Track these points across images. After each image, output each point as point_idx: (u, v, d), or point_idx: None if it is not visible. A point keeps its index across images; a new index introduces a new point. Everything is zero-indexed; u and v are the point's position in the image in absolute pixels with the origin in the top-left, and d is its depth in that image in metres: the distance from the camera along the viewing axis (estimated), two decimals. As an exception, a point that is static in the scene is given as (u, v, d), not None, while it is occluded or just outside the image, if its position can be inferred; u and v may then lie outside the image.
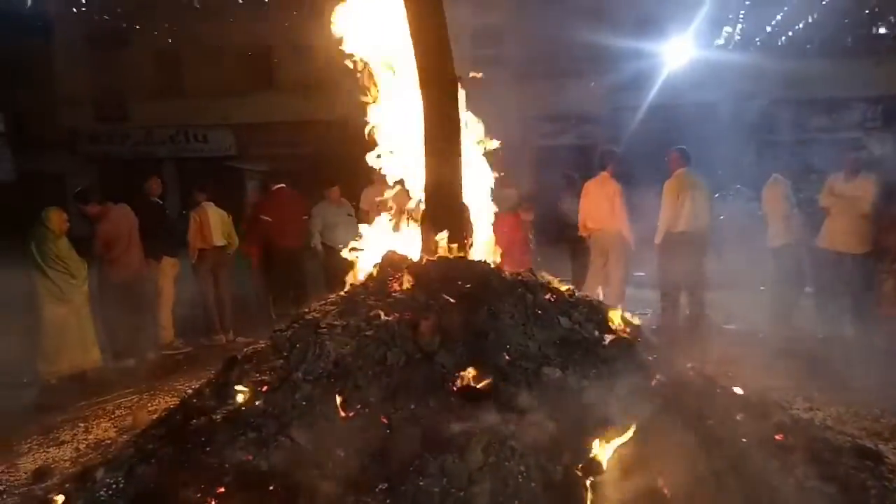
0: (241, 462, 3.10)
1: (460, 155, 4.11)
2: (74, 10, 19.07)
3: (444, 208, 4.11)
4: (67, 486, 3.75)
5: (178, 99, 20.23)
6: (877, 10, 16.34)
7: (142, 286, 7.47)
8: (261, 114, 18.83)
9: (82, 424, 5.47)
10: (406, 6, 4.04)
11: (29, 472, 4.51)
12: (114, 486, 3.40)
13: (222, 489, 3.04)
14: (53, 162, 19.30)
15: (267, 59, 19.89)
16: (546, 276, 4.24)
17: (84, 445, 5.02)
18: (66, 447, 5.01)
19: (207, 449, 3.32)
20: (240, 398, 3.49)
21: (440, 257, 3.94)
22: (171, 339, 7.81)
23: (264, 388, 3.51)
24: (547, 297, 3.87)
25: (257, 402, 3.45)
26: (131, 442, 4.01)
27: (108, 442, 4.99)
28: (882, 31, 16.68)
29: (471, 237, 4.23)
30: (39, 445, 5.07)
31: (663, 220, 7.19)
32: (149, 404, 5.83)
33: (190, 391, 4.91)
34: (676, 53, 16.15)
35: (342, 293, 4.03)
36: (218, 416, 3.48)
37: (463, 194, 4.18)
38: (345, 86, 4.70)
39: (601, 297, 6.42)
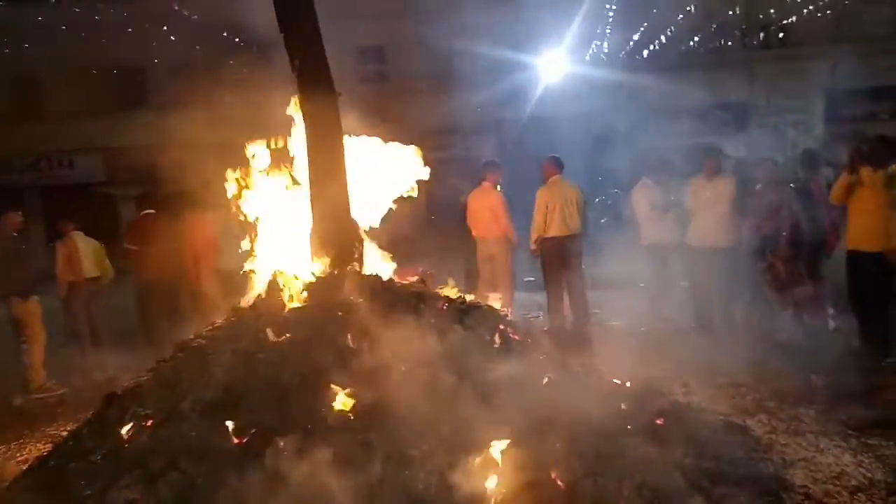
0: (127, 502, 2.91)
1: (345, 174, 4.12)
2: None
3: (332, 229, 4.10)
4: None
5: (39, 123, 18.75)
6: (723, 25, 17.98)
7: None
8: (132, 136, 17.80)
9: (-60, 481, 4.92)
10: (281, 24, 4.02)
11: None
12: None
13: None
14: None
15: (139, 78, 18.89)
16: (440, 286, 4.31)
17: (-58, 506, 4.51)
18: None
19: (87, 493, 3.11)
20: (122, 435, 3.29)
21: (330, 273, 3.91)
22: (41, 381, 7.17)
23: (149, 423, 3.33)
24: (440, 305, 3.94)
25: (141, 438, 3.27)
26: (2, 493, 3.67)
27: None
28: (730, 43, 18.37)
29: (361, 254, 4.23)
30: None
31: (534, 227, 7.54)
32: (17, 454, 5.32)
33: (65, 434, 4.57)
34: (552, 68, 17.00)
35: (230, 316, 3.90)
36: (97, 457, 3.27)
37: (350, 213, 4.18)
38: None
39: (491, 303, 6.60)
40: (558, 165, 7.63)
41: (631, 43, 17.43)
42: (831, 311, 6.98)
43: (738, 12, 18.11)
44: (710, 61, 18.05)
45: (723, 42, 18.10)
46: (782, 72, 17.97)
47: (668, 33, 17.28)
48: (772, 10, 17.19)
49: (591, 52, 17.55)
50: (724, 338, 6.94)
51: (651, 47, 17.63)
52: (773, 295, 6.90)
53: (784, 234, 6.75)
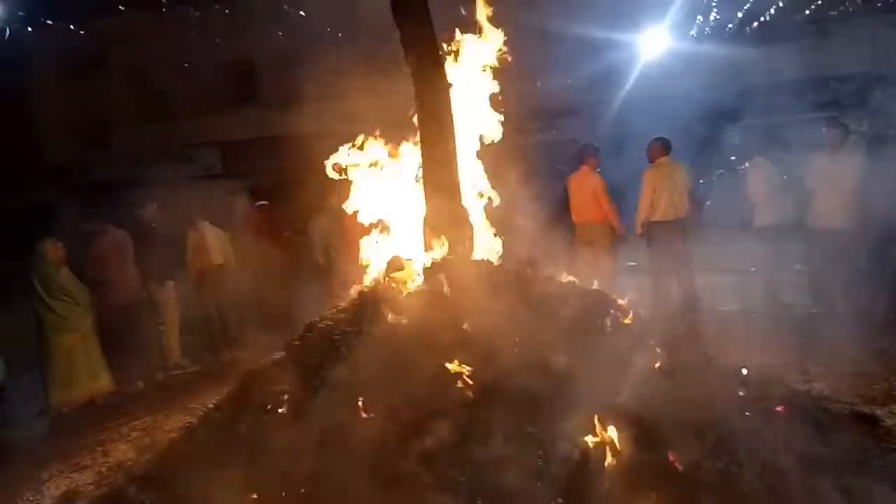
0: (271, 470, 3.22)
1: (456, 162, 4.25)
2: (48, 40, 19.01)
3: (444, 212, 4.24)
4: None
5: (161, 121, 20.26)
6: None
7: (141, 309, 7.55)
8: (245, 130, 18.92)
9: (100, 448, 5.56)
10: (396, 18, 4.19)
11: (55, 497, 4.61)
12: (146, 502, 3.53)
13: (255, 496, 3.17)
14: (40, 193, 19.22)
15: (250, 74, 19.92)
16: (548, 269, 4.39)
17: (105, 468, 5.11)
18: (87, 471, 5.09)
19: (234, 459, 3.45)
20: (263, 408, 3.61)
21: (444, 258, 4.07)
22: (177, 359, 7.89)
23: (285, 398, 3.64)
24: (550, 289, 4.02)
25: (280, 411, 3.58)
26: (155, 461, 4.13)
27: (129, 463, 5.08)
28: (850, 9, 16.97)
29: (472, 238, 4.36)
30: (61, 472, 5.14)
31: (640, 209, 7.40)
32: (164, 425, 5.91)
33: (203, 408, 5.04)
34: (651, 45, 16.40)
35: (353, 300, 4.16)
36: (242, 428, 3.61)
37: (461, 199, 4.32)
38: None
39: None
40: (666, 147, 7.46)
41: (740, 14, 16.49)
42: None
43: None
44: (824, 30, 16.79)
45: (843, 6, 16.75)
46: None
47: (779, 3, 16.23)
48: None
49: (695, 26, 16.77)
50: (846, 323, 6.58)
51: (761, 18, 16.63)
52: None
53: None
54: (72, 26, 18.58)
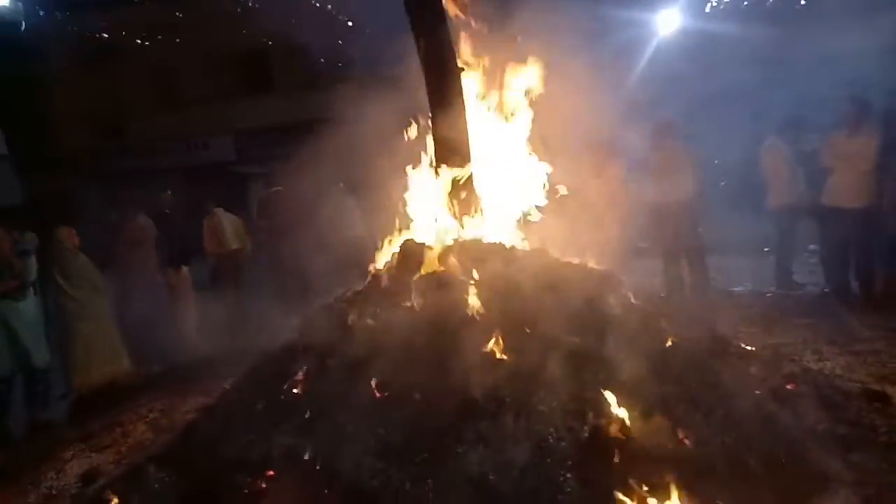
0: (287, 446, 3.29)
1: (469, 151, 4.26)
2: (67, 29, 19.16)
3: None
4: (119, 484, 3.95)
5: (177, 109, 20.38)
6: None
7: (161, 293, 7.68)
8: (259, 117, 18.99)
9: (119, 429, 5.68)
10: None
11: (77, 476, 4.73)
12: (165, 479, 3.62)
13: (272, 472, 3.25)
14: (57, 181, 19.46)
15: (265, 62, 19.94)
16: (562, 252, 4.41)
17: (125, 448, 5.24)
18: (108, 451, 5.22)
19: (250, 437, 3.53)
20: (279, 388, 3.69)
21: (457, 241, 4.11)
22: (194, 342, 8.01)
23: (301, 377, 3.71)
24: (562, 271, 4.04)
25: (295, 391, 3.66)
26: (173, 440, 4.23)
27: (148, 443, 5.20)
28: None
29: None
30: (82, 451, 5.28)
31: (650, 191, 7.27)
32: (182, 406, 6.03)
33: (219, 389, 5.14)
34: (667, 23, 16.17)
35: (367, 283, 4.21)
36: (259, 407, 3.69)
37: (474, 189, 4.33)
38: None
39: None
40: (667, 127, 7.27)
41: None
42: None
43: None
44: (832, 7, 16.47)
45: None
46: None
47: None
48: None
49: (710, 4, 16.52)
50: (860, 303, 6.56)
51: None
52: None
53: None
54: (88, 16, 18.72)
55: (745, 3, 16.83)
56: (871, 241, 6.65)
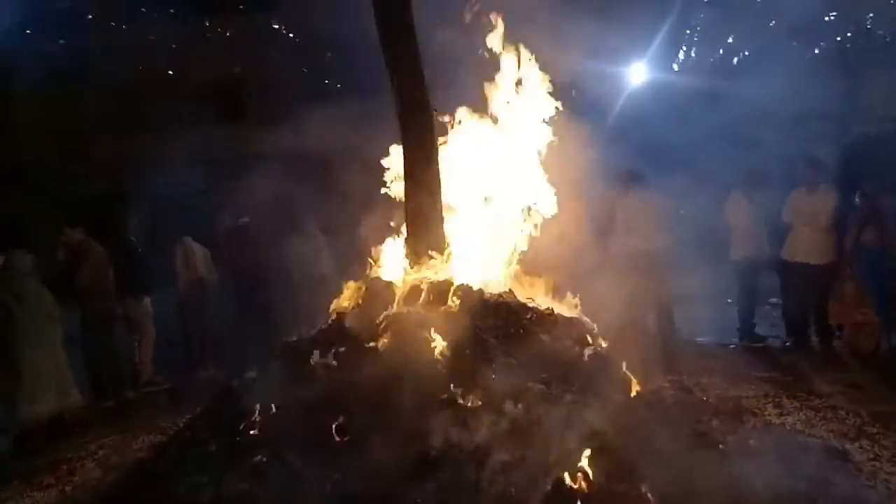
0: (239, 490, 3.16)
1: (439, 188, 4.28)
2: (30, 49, 18.91)
3: (425, 241, 4.25)
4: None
5: (144, 134, 20.14)
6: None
7: (117, 324, 7.43)
8: (229, 148, 18.85)
9: (65, 467, 5.40)
10: (382, 42, 4.24)
11: (15, 518, 4.47)
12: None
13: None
14: (13, 204, 18.92)
15: (236, 92, 19.91)
16: (527, 296, 4.40)
17: (70, 488, 4.97)
18: (51, 490, 4.96)
19: (203, 479, 3.39)
20: (234, 428, 3.56)
21: (427, 281, 4.07)
22: (150, 376, 7.76)
23: (257, 417, 3.59)
24: (528, 316, 4.02)
25: (252, 432, 3.53)
26: (122, 479, 4.04)
27: (95, 483, 4.95)
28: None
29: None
30: (22, 491, 4.99)
31: (617, 242, 7.29)
32: (132, 443, 5.79)
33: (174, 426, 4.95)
34: (636, 77, 16.68)
35: (331, 321, 4.13)
36: (212, 447, 3.55)
37: (443, 225, 4.33)
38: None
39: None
40: (635, 178, 7.38)
41: (721, 51, 16.88)
42: None
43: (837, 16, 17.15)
44: (804, 68, 17.23)
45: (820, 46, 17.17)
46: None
47: (759, 39, 16.64)
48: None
49: (677, 59, 17.11)
50: (820, 357, 6.68)
51: (741, 54, 17.05)
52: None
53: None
54: (50, 36, 18.51)
55: (712, 59, 17.49)
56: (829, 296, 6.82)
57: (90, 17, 17.82)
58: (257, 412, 3.63)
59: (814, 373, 6.05)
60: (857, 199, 6.76)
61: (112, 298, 7.33)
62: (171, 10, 18.20)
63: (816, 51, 17.14)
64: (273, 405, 3.65)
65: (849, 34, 17.01)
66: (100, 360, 7.11)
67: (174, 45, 18.89)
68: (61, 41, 18.73)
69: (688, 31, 16.54)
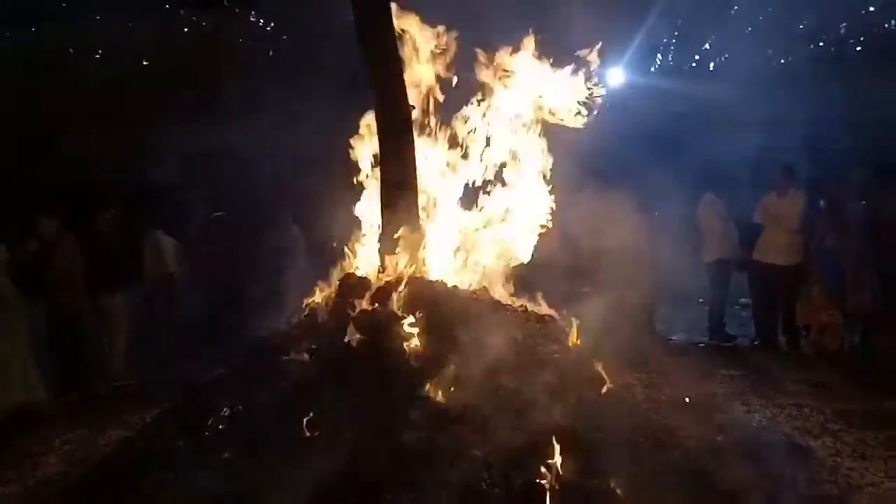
0: (207, 486, 3.13)
1: (416, 188, 4.28)
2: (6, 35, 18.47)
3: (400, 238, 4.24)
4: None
5: (119, 127, 19.79)
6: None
7: (86, 319, 7.30)
8: (205, 141, 18.61)
9: (29, 461, 5.28)
10: (359, 38, 4.22)
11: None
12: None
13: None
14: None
15: (213, 86, 19.66)
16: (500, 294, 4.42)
17: (33, 482, 4.87)
18: (12, 485, 4.84)
19: (170, 476, 3.35)
20: (203, 424, 3.52)
21: (398, 279, 4.07)
22: (121, 371, 7.63)
23: (228, 413, 3.55)
24: (503, 313, 4.04)
25: (220, 427, 3.50)
26: (87, 474, 3.97)
27: (59, 477, 4.86)
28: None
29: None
30: (-18, 487, 4.88)
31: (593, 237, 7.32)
32: (99, 438, 5.69)
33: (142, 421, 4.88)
34: (614, 79, 16.80)
35: (304, 317, 4.11)
36: (180, 443, 3.51)
37: (419, 224, 4.33)
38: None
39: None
40: (607, 178, 7.42)
41: (697, 56, 17.07)
42: None
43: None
44: (780, 73, 17.50)
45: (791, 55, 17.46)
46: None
47: (737, 44, 16.89)
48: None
49: (655, 63, 17.29)
50: (787, 356, 6.82)
51: (719, 59, 17.27)
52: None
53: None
54: (30, 28, 18.12)
55: (693, 64, 17.69)
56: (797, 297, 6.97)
57: (63, 4, 17.41)
58: (227, 407, 3.60)
59: (780, 371, 6.17)
60: (821, 204, 6.95)
61: (81, 292, 7.19)
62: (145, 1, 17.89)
63: (790, 58, 17.40)
64: (244, 400, 3.62)
65: (821, 43, 17.30)
66: (67, 355, 6.98)
67: (149, 37, 18.58)
68: (33, 29, 18.32)
69: (665, 39, 16.70)
